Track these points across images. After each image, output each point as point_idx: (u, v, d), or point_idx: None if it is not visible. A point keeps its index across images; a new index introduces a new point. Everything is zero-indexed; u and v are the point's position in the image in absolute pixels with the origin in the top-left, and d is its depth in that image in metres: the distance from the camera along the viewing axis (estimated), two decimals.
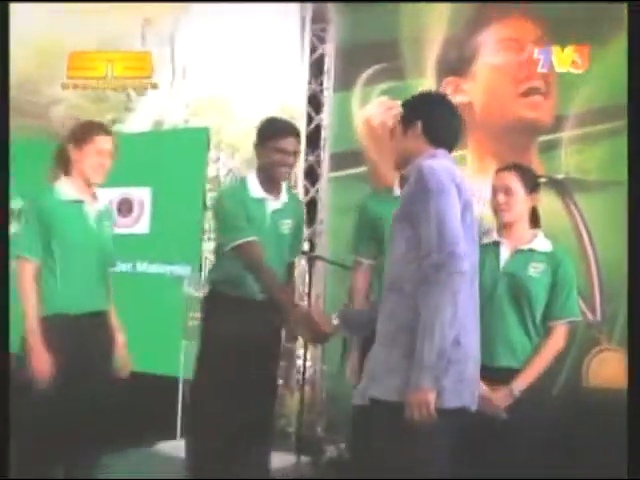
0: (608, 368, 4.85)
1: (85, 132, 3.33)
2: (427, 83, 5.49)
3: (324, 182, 6.13)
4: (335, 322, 3.00)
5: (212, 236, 6.83)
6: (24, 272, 3.20)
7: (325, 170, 6.14)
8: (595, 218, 4.96)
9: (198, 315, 5.87)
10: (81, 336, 3.23)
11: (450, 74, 5.53)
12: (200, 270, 6.08)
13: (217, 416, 3.58)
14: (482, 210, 3.86)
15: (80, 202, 3.32)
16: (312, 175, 6.13)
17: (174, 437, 5.30)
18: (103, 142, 3.32)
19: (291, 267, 3.95)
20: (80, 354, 3.21)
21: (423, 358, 2.44)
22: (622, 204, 4.63)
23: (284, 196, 3.79)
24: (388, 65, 5.70)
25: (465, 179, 2.66)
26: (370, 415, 2.64)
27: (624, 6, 4.18)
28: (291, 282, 3.96)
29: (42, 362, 3.13)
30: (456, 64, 5.52)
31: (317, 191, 6.11)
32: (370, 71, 5.77)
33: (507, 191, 3.21)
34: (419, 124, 2.74)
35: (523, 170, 3.31)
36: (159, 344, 5.62)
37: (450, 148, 2.78)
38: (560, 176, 5.05)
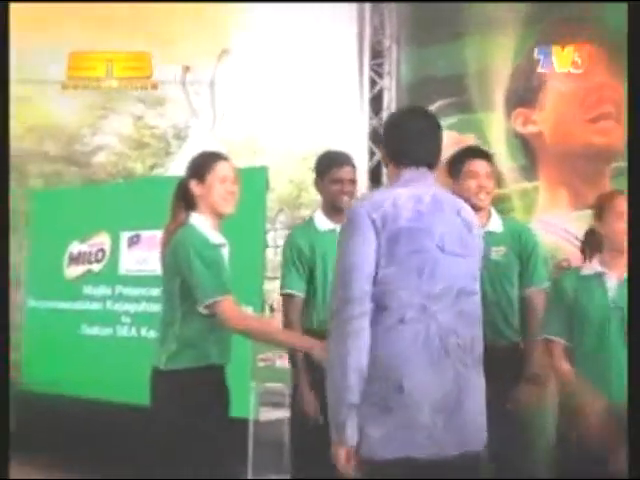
0: None
1: (203, 163, 3.09)
2: (496, 116, 5.53)
3: None
4: None
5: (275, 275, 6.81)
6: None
7: None
8: None
9: (265, 357, 5.81)
10: None
11: (519, 105, 5.54)
12: (262, 310, 5.98)
13: None
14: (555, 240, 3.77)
15: (221, 245, 3.11)
16: None
17: (245, 476, 5.26)
18: (224, 169, 3.08)
19: None
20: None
21: (329, 412, 2.36)
22: None
23: None
24: (455, 99, 5.72)
25: (405, 207, 2.36)
26: None
27: None
28: None
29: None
30: (524, 95, 5.52)
31: None
32: (437, 105, 5.76)
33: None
34: (383, 149, 2.64)
35: None
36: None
37: (421, 162, 2.50)
38: None
